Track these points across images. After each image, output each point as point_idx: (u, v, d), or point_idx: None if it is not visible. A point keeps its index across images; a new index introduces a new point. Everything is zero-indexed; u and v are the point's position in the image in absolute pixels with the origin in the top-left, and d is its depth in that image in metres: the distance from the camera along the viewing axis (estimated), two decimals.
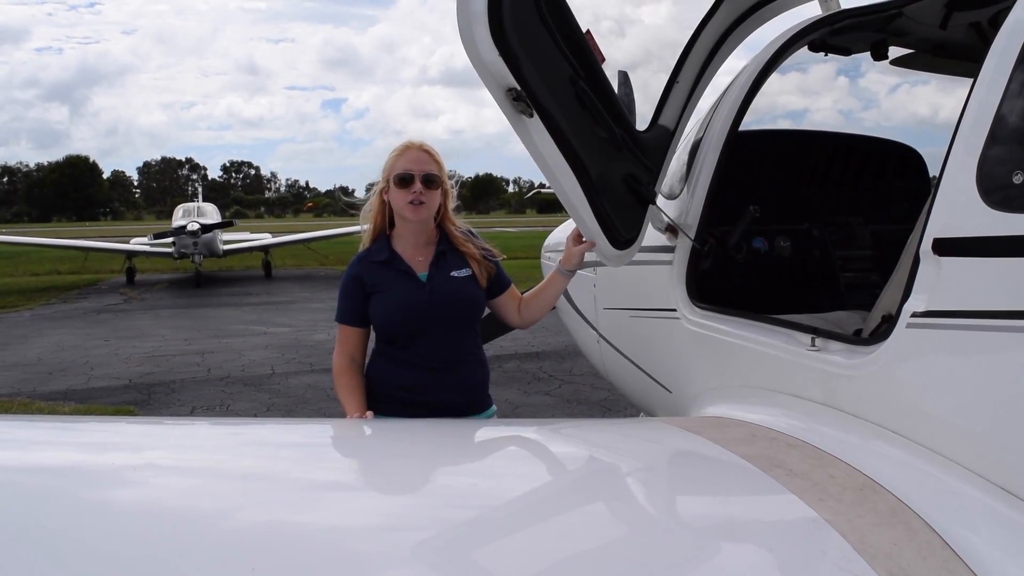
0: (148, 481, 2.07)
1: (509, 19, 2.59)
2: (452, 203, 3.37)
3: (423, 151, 3.26)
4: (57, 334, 15.81)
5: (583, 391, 9.93)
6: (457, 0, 2.61)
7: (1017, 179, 1.85)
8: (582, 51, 2.86)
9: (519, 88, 2.67)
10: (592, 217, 2.96)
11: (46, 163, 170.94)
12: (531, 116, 2.73)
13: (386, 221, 3.33)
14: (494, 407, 3.46)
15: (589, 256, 3.28)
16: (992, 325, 1.86)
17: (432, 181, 3.21)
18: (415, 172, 3.18)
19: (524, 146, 2.83)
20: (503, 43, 2.61)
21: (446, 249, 3.30)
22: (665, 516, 2.02)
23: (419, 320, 3.19)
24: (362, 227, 3.41)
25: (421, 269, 3.26)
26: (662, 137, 3.37)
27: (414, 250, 3.28)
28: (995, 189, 1.89)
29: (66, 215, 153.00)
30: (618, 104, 3.02)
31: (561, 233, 5.94)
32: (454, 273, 3.26)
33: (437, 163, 3.27)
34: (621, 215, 3.06)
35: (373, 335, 3.33)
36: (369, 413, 3.07)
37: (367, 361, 3.35)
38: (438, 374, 3.21)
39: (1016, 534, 1.73)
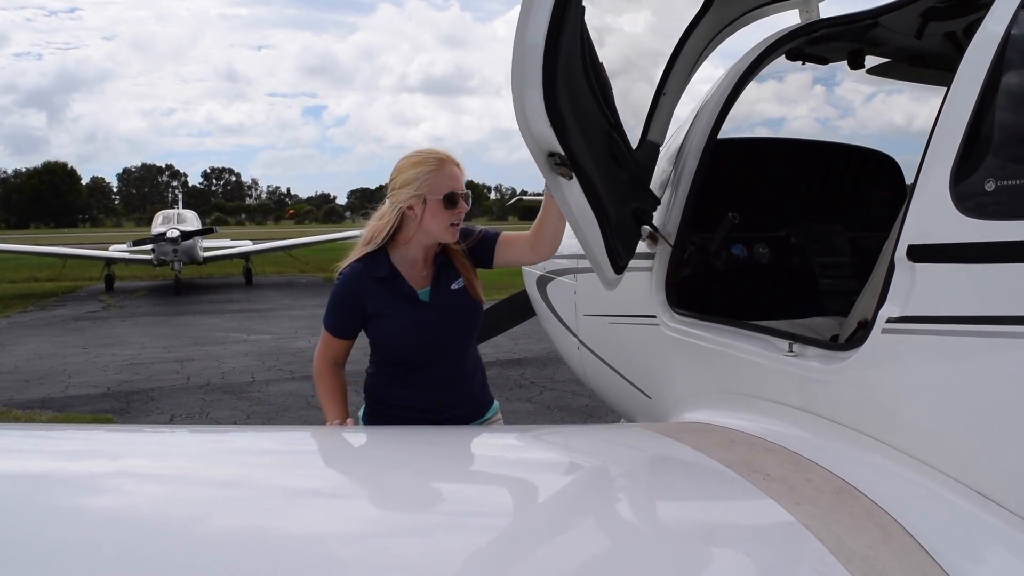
0: (126, 489, 2.06)
1: (562, 82, 2.49)
2: None
3: (458, 167, 3.08)
4: (34, 342, 15.66)
5: (564, 398, 9.94)
6: (513, 64, 2.47)
7: (989, 186, 1.88)
8: (608, 93, 2.78)
9: (563, 154, 2.57)
10: (604, 253, 2.89)
11: (24, 169, 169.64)
12: (570, 179, 2.64)
13: (391, 230, 3.08)
14: (496, 403, 3.42)
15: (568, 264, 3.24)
16: (966, 330, 1.88)
17: (468, 200, 3.06)
18: (459, 192, 3.02)
19: (556, 201, 2.75)
20: (554, 111, 2.50)
21: (444, 260, 3.17)
22: (643, 521, 2.03)
23: (428, 343, 3.10)
24: (363, 236, 3.17)
25: (422, 285, 3.12)
26: (652, 153, 3.36)
27: (421, 265, 3.13)
28: (968, 196, 1.92)
29: (44, 222, 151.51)
30: (627, 139, 2.97)
31: None
32: (454, 286, 3.14)
33: (464, 178, 3.12)
34: (625, 244, 3.02)
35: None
36: (349, 420, 3.04)
37: (368, 380, 3.27)
38: (446, 392, 3.17)
39: (990, 537, 1.75)
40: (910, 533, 1.76)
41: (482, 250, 3.24)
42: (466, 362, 3.24)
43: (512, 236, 3.29)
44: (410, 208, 3.02)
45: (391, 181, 3.10)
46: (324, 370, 3.18)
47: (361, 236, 3.18)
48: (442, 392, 3.16)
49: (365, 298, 3.07)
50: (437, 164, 3.01)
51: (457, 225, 3.05)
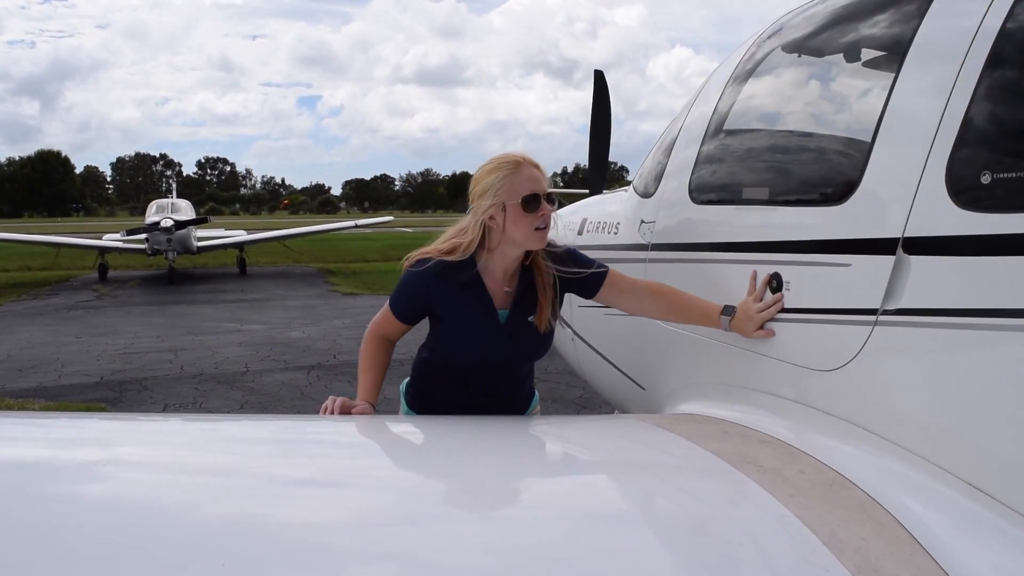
0: (119, 477, 2.05)
1: None
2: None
3: (537, 168, 2.88)
4: (27, 331, 15.62)
5: (558, 389, 9.94)
6: None
7: (985, 179, 1.88)
8: None
9: None
10: None
11: (17, 158, 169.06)
12: None
13: (476, 242, 2.89)
14: (536, 395, 3.39)
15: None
16: (960, 323, 1.89)
17: (553, 201, 2.88)
18: (540, 193, 2.83)
19: None
20: None
21: (529, 285, 2.99)
22: (636, 512, 2.03)
23: (489, 358, 3.02)
24: (442, 245, 2.95)
25: (503, 304, 2.96)
26: None
27: (503, 279, 2.97)
28: (963, 190, 1.93)
29: (37, 211, 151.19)
30: None
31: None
32: (530, 318, 2.97)
33: (546, 179, 2.92)
34: None
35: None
36: (368, 406, 2.91)
37: (418, 362, 3.24)
38: (498, 398, 3.13)
39: (983, 529, 1.75)
40: (903, 525, 1.77)
41: (586, 285, 3.06)
42: (521, 372, 3.20)
43: (623, 283, 3.07)
44: (491, 218, 2.85)
45: (471, 192, 2.94)
46: (372, 341, 3.10)
47: (439, 243, 2.97)
48: (489, 396, 3.12)
49: (435, 299, 2.94)
50: (513, 167, 2.84)
51: (544, 229, 2.85)
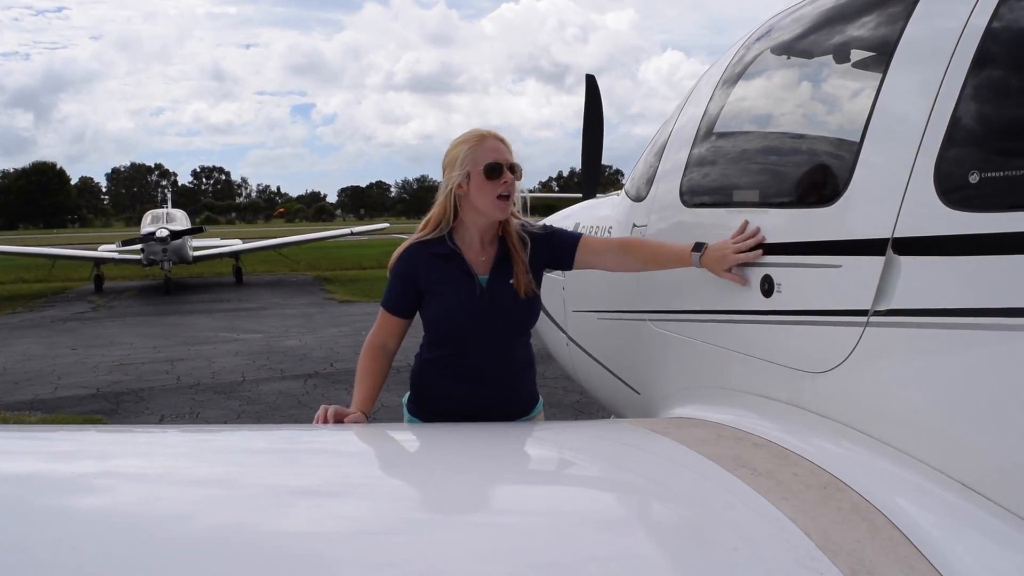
0: (117, 489, 2.05)
1: None
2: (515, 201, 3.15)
3: (501, 140, 3.08)
4: (23, 343, 15.60)
5: (555, 394, 9.92)
6: None
7: (973, 179, 1.89)
8: None
9: None
10: None
11: (12, 170, 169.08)
12: None
13: (449, 216, 3.08)
14: (541, 400, 3.40)
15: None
16: (951, 323, 1.89)
17: (516, 171, 3.05)
18: (502, 162, 3.01)
19: None
20: None
21: (505, 254, 3.11)
22: (629, 516, 2.03)
23: (475, 324, 3.06)
24: (422, 224, 3.18)
25: (482, 271, 3.09)
26: None
27: (479, 248, 3.10)
28: (952, 189, 1.93)
29: (33, 222, 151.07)
30: None
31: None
32: (511, 281, 3.08)
33: (512, 152, 3.10)
34: None
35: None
36: (361, 415, 2.94)
37: (415, 367, 3.27)
38: (491, 387, 3.13)
39: (977, 529, 1.75)
40: (897, 527, 1.76)
41: (560, 253, 3.21)
42: (515, 359, 3.20)
43: (596, 244, 3.26)
44: (459, 187, 3.03)
45: (442, 165, 3.13)
46: (368, 350, 3.17)
47: (417, 230, 3.17)
48: (488, 387, 3.12)
49: (419, 271, 3.07)
50: (478, 139, 3.05)
51: (505, 198, 3.01)
